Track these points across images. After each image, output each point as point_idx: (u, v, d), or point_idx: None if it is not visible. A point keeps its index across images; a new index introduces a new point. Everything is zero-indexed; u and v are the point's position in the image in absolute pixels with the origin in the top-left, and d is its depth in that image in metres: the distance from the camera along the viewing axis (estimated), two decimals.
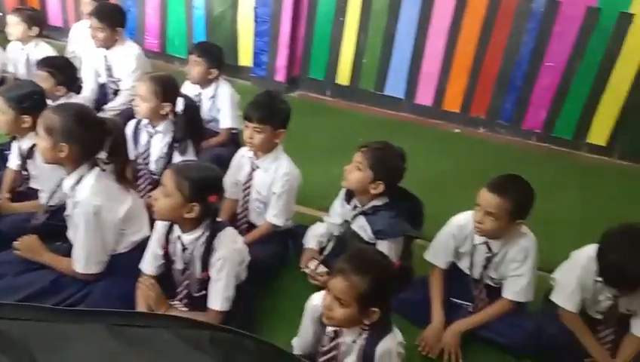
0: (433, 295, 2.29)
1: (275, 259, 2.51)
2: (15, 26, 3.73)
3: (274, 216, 2.51)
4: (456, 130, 4.32)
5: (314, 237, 2.50)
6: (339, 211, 2.49)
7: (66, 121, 2.00)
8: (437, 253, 2.34)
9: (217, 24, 4.73)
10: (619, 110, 3.99)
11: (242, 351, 0.82)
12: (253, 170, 2.53)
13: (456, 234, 2.28)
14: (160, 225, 2.08)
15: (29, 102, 2.47)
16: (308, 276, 2.45)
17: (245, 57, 4.76)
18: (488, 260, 2.23)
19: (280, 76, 4.64)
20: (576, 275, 2.12)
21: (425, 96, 4.42)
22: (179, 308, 2.10)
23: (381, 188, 2.27)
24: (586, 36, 3.88)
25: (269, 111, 2.43)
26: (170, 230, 2.06)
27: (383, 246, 2.26)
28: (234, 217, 2.60)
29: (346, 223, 2.42)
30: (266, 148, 2.49)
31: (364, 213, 2.34)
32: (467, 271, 2.30)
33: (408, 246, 2.41)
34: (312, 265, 2.44)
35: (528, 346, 2.19)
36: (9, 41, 3.91)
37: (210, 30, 4.78)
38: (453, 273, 2.34)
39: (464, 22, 4.12)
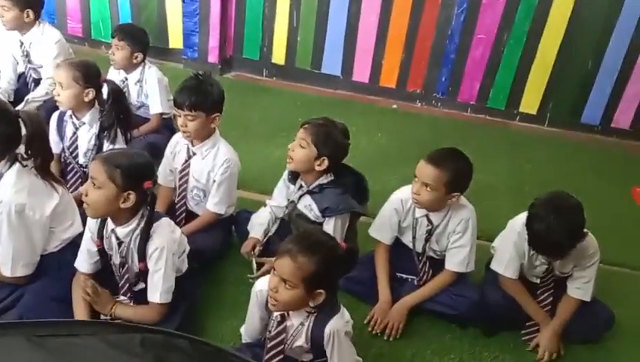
0: (379, 272, 2.31)
1: (219, 246, 2.45)
2: None
3: (215, 205, 2.43)
4: (394, 106, 4.34)
5: (259, 225, 2.44)
6: (283, 193, 2.45)
7: None
8: (381, 228, 2.35)
9: (144, 5, 4.52)
10: (547, 79, 4.13)
11: (176, 352, 0.77)
12: (189, 156, 2.44)
13: (398, 208, 2.29)
14: (91, 221, 1.98)
15: None
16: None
17: (175, 39, 4.58)
18: (429, 233, 2.26)
19: (212, 57, 4.50)
20: (512, 242, 2.18)
21: (361, 72, 4.41)
22: (126, 304, 2.02)
23: (325, 163, 2.25)
24: (513, 7, 3.96)
25: (200, 97, 2.32)
26: (103, 225, 1.97)
27: (330, 224, 2.25)
28: (171, 206, 2.51)
29: (292, 203, 2.38)
30: (201, 135, 2.40)
31: (310, 192, 2.31)
32: (410, 245, 2.32)
33: (354, 223, 2.40)
34: (253, 265, 2.37)
35: (473, 315, 2.25)
36: None
37: (137, 12, 4.55)
38: (397, 248, 2.36)
39: None
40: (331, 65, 4.43)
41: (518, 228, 2.16)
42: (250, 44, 4.53)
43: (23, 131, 1.94)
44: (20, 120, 1.92)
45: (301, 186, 2.36)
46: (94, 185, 1.83)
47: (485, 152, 3.52)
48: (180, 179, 2.46)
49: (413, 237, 2.30)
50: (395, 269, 2.36)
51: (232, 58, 4.61)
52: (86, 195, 1.86)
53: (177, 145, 2.49)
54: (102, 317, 1.98)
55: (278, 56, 4.51)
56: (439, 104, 4.37)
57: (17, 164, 1.94)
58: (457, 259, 2.25)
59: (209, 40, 4.43)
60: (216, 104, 2.39)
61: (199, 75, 2.40)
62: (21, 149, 1.94)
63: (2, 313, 1.98)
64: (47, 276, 2.02)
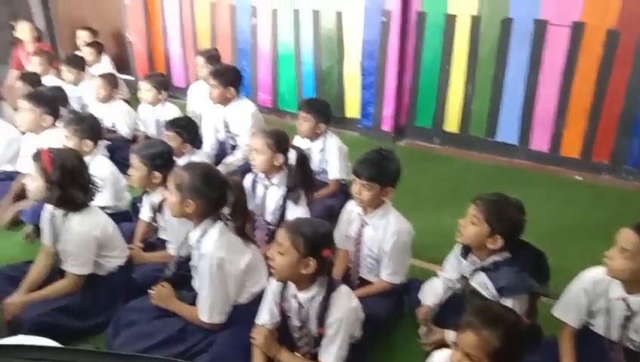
0: (564, 358, 2.11)
1: (390, 314, 2.46)
2: (147, 91, 4.13)
3: (389, 275, 2.47)
4: (577, 177, 4.06)
5: (431, 293, 2.42)
6: (455, 266, 2.41)
7: (194, 179, 2.15)
8: (567, 308, 2.16)
9: (325, 78, 4.91)
10: None
11: None
12: (362, 226, 2.52)
13: (588, 289, 2.09)
14: (275, 283, 2.12)
15: (160, 160, 2.70)
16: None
17: (352, 109, 4.87)
18: (627, 319, 2.02)
19: (386, 126, 4.68)
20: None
21: (540, 141, 4.23)
22: (294, 354, 2.11)
23: (499, 242, 2.17)
24: None
25: (378, 170, 2.42)
26: (285, 287, 2.09)
27: (507, 304, 2.12)
28: (347, 271, 2.60)
29: (464, 279, 2.33)
30: (373, 204, 2.48)
31: (484, 269, 2.24)
32: (602, 332, 2.10)
33: (534, 304, 2.26)
34: (422, 331, 2.35)
35: None
36: (139, 102, 4.33)
37: (319, 84, 4.96)
38: (584, 334, 2.15)
39: (579, 62, 3.94)
40: (507, 133, 4.34)
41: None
42: (424, 113, 4.63)
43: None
44: (227, 187, 2.19)
45: (474, 262, 2.30)
46: (280, 250, 1.95)
47: None
48: (354, 246, 2.55)
49: (607, 324, 2.07)
50: (582, 358, 2.14)
51: (405, 126, 4.75)
52: (273, 259, 2.00)
53: (351, 213, 2.60)
54: None
55: (451, 124, 4.54)
56: (630, 177, 3.99)
57: (220, 223, 2.21)
58: None
59: (384, 110, 4.64)
60: (392, 179, 2.47)
61: (382, 150, 2.51)
62: (224, 210, 2.20)
63: (196, 355, 2.19)
64: (236, 325, 2.20)
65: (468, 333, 1.61)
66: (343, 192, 3.46)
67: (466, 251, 2.33)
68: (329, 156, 3.45)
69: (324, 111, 3.47)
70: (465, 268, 2.33)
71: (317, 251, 1.94)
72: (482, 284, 2.23)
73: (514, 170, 4.15)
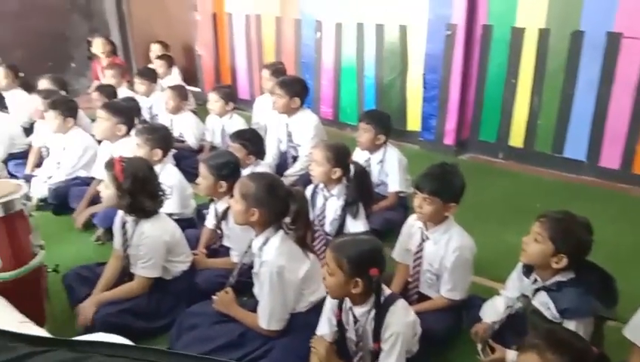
0: None
1: (449, 330, 2.43)
2: (215, 102, 4.29)
3: (448, 291, 2.44)
4: None
5: (491, 311, 2.37)
6: (516, 284, 2.35)
7: (260, 189, 2.22)
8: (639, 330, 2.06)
9: (387, 91, 4.93)
10: None
11: None
12: (423, 240, 2.50)
13: None
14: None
15: (226, 170, 2.79)
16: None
17: (414, 122, 4.85)
18: None
19: (449, 139, 4.63)
20: None
21: (611, 158, 4.06)
22: None
23: (564, 262, 2.10)
24: None
25: (441, 184, 2.40)
26: (342, 300, 2.10)
27: (570, 326, 2.05)
28: (405, 285, 2.59)
29: (525, 298, 2.26)
30: (435, 219, 2.45)
31: (546, 289, 2.17)
32: None
33: (600, 328, 2.16)
34: (480, 347, 2.30)
35: None
36: (207, 113, 4.50)
37: (380, 97, 4.98)
38: None
39: None
40: (575, 149, 4.19)
41: None
42: (487, 126, 4.55)
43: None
44: (290, 197, 2.24)
45: (536, 280, 2.23)
46: (328, 271, 1.96)
47: None
48: (414, 261, 2.53)
49: None
50: None
51: (468, 140, 4.68)
52: (324, 279, 2.01)
53: (413, 227, 2.58)
54: None
55: (516, 138, 4.43)
56: None
57: (282, 231, 2.26)
58: None
59: (446, 123, 4.60)
60: (455, 195, 2.44)
61: (445, 165, 2.49)
62: (286, 219, 2.26)
63: (254, 361, 2.25)
64: (294, 333, 2.25)
65: (531, 355, 1.57)
66: (402, 205, 3.46)
67: (529, 270, 2.27)
68: (388, 168, 3.45)
69: (384, 122, 3.49)
70: (527, 287, 2.27)
71: (363, 271, 1.92)
72: (544, 304, 2.16)
73: (581, 188, 4.00)
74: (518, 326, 2.25)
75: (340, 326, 2.13)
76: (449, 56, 4.44)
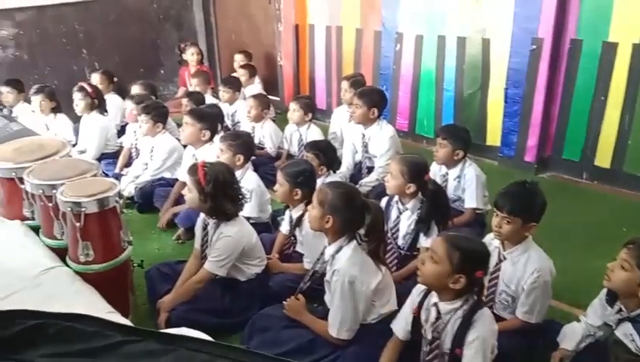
0: None
1: (522, 352, 2.34)
2: (294, 112, 4.40)
3: (524, 314, 2.35)
4: None
5: (570, 338, 2.27)
6: (599, 312, 2.23)
7: (337, 197, 2.26)
8: None
9: (466, 105, 4.84)
10: None
11: None
12: (500, 260, 2.43)
13: None
14: (416, 291, 2.14)
15: (302, 178, 2.86)
16: None
17: (493, 137, 4.73)
18: None
19: (529, 156, 4.48)
20: None
21: None
22: None
23: None
24: None
25: (521, 203, 2.33)
26: (426, 296, 2.09)
27: None
28: None
29: (607, 327, 2.15)
30: (514, 239, 2.38)
31: (631, 320, 2.05)
32: None
33: None
34: None
35: None
36: (286, 121, 4.61)
37: (459, 111, 4.90)
38: None
39: None
40: None
41: None
42: (572, 144, 4.36)
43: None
44: (366, 209, 2.26)
45: (620, 310, 2.11)
46: (432, 258, 1.96)
47: None
48: (490, 281, 2.46)
49: None
50: None
51: (550, 158, 4.51)
52: (422, 263, 2.01)
53: (490, 246, 2.51)
54: None
55: (603, 158, 4.21)
56: None
57: (355, 242, 2.28)
58: None
59: (528, 139, 4.45)
60: (535, 214, 2.36)
61: (526, 183, 2.42)
62: (361, 230, 2.28)
63: None
64: (362, 344, 2.25)
65: None
66: (478, 222, 3.38)
67: (613, 298, 2.15)
68: (466, 184, 3.39)
69: (463, 138, 3.43)
70: (610, 315, 2.15)
71: (471, 270, 1.92)
72: (628, 336, 2.04)
73: None
74: (598, 355, 2.14)
75: (416, 324, 2.11)
76: (533, 70, 4.30)
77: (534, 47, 4.25)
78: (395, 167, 2.87)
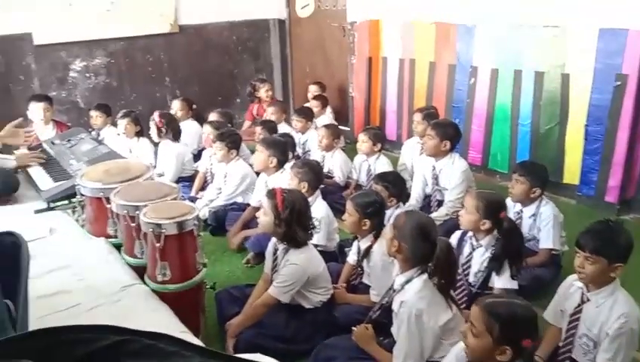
0: None
1: None
2: (363, 143, 4.43)
3: (607, 361, 2.21)
4: None
5: None
6: None
7: (410, 225, 2.28)
8: None
9: (543, 141, 4.69)
10: None
11: None
12: (583, 302, 2.32)
13: None
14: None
15: (371, 209, 2.86)
16: None
17: (571, 175, 4.54)
18: None
19: (611, 197, 4.26)
20: None
21: None
22: None
23: None
24: None
25: (605, 242, 2.21)
26: None
27: None
28: (555, 350, 2.41)
29: None
30: (598, 281, 2.26)
31: None
32: None
33: None
34: None
35: None
36: (355, 151, 4.65)
37: (535, 146, 4.75)
38: None
39: None
40: None
41: None
42: None
43: None
44: (437, 243, 2.24)
45: None
46: (472, 331, 1.83)
47: None
48: (569, 323, 2.35)
49: None
50: None
51: (634, 199, 4.26)
52: (465, 337, 1.89)
53: (571, 287, 2.41)
54: None
55: None
56: None
57: (426, 275, 2.26)
58: None
59: (609, 179, 4.24)
60: (621, 254, 2.23)
61: (610, 221, 2.31)
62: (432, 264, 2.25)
63: None
64: None
65: None
66: (554, 263, 3.25)
67: None
68: (542, 223, 3.26)
69: (541, 175, 3.33)
70: None
71: (515, 340, 1.76)
72: None
73: None
74: None
75: None
76: (617, 107, 4.12)
77: (618, 83, 4.08)
78: (471, 202, 2.82)
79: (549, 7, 4.44)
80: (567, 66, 4.44)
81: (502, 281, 2.73)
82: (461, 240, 2.92)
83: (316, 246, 3.00)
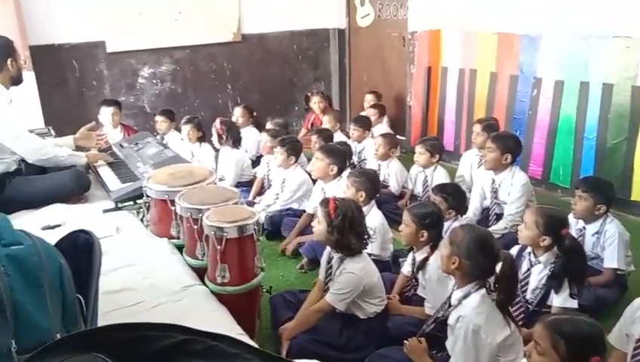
0: None
1: None
2: (420, 155, 4.39)
3: None
4: None
5: None
6: None
7: (468, 240, 2.24)
8: None
9: (610, 156, 4.51)
10: None
11: None
12: None
13: None
14: None
15: (429, 220, 2.84)
16: None
17: (639, 192, 4.35)
18: None
19: None
20: None
21: None
22: None
23: None
24: None
25: None
26: None
27: None
28: None
29: None
30: None
31: None
32: None
33: None
34: None
35: None
36: (411, 161, 4.62)
37: (600, 161, 4.58)
38: None
39: None
40: None
41: None
42: None
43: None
44: (499, 258, 2.20)
45: None
46: (537, 350, 1.79)
47: None
48: (635, 349, 2.23)
49: None
50: None
51: None
52: (529, 357, 1.84)
53: (639, 310, 2.30)
54: None
55: None
56: None
57: (484, 290, 2.22)
58: None
59: None
60: None
61: None
62: (491, 279, 2.21)
63: None
64: None
65: None
66: (619, 284, 3.11)
67: None
68: (606, 242, 3.14)
69: (607, 192, 3.20)
70: None
71: (583, 358, 1.72)
72: None
73: None
74: None
75: None
76: None
77: None
78: (530, 217, 2.75)
79: (619, 18, 4.28)
80: (639, 78, 4.26)
81: (561, 300, 2.65)
82: (519, 255, 2.85)
83: (370, 254, 3.00)
